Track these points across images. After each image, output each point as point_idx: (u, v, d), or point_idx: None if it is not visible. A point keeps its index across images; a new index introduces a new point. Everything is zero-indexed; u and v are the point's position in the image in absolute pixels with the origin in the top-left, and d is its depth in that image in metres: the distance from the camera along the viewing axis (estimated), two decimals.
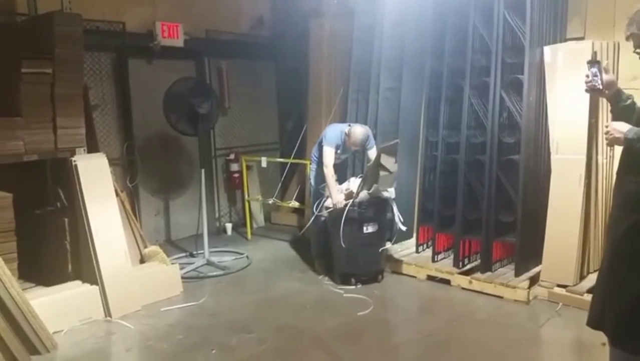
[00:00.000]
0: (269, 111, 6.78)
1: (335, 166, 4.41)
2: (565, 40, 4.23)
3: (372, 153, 4.51)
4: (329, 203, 4.40)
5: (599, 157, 4.00)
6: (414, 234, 4.94)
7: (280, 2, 6.52)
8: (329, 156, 4.35)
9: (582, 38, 4.17)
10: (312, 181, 4.77)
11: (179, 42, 5.42)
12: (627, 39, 2.24)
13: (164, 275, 4.30)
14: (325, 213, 4.47)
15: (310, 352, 3.32)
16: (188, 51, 5.62)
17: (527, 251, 4.16)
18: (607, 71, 2.30)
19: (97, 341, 3.52)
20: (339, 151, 4.46)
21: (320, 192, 4.63)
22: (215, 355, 3.29)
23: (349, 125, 4.49)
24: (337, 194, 4.32)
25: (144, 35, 5.26)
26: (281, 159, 6.18)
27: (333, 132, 4.45)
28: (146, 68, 5.49)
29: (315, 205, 4.60)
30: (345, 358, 3.26)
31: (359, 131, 4.35)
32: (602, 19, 4.08)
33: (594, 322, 2.35)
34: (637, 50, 2.21)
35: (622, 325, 2.21)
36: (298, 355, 3.31)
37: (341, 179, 4.58)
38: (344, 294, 4.20)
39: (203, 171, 4.99)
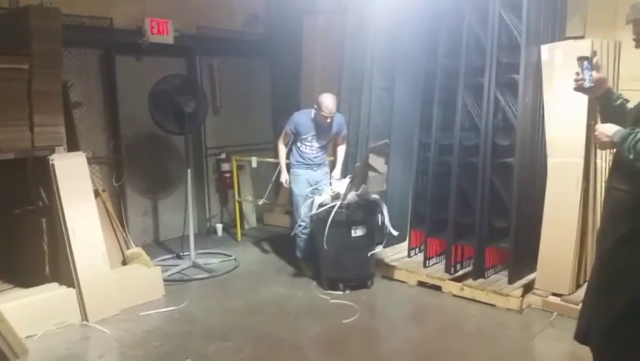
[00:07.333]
0: (263, 110, 6.62)
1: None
2: (565, 39, 4.05)
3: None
4: (318, 201, 4.26)
5: (598, 160, 3.82)
6: (407, 238, 4.79)
7: None
8: (283, 134, 4.54)
9: (582, 37, 3.99)
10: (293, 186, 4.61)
11: (168, 38, 5.27)
12: (628, 22, 2.13)
13: (145, 278, 4.17)
14: (308, 215, 4.36)
15: None
16: (178, 48, 5.48)
17: (521, 257, 3.99)
18: (597, 68, 2.12)
19: (70, 346, 3.40)
20: (299, 130, 4.43)
21: (300, 196, 4.49)
22: None
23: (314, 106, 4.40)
24: (285, 173, 4.54)
25: (132, 31, 5.12)
26: (272, 159, 5.98)
27: (300, 114, 4.50)
28: (134, 65, 5.36)
29: (302, 207, 4.45)
30: None
31: (327, 96, 4.30)
32: (603, 17, 3.91)
33: (581, 336, 2.21)
34: (635, 37, 2.08)
35: (605, 342, 2.06)
36: None
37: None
38: (330, 300, 4.05)
39: (189, 171, 4.85)
